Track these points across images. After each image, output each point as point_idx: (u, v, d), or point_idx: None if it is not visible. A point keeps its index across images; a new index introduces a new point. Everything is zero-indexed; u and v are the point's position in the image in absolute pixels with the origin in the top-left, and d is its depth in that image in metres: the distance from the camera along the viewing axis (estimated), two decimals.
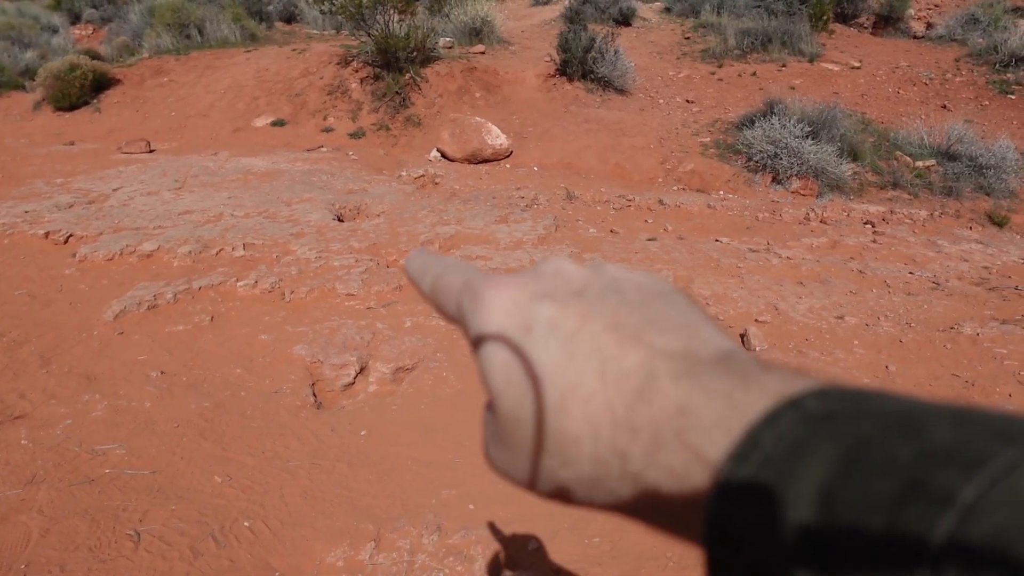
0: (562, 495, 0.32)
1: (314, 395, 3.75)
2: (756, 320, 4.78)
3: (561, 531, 2.69)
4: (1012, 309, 5.16)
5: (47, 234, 5.82)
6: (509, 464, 0.34)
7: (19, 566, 2.43)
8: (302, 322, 4.51)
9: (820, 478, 0.22)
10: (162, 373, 3.85)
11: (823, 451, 0.23)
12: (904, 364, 4.19)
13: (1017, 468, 0.19)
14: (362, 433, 3.36)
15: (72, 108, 11.76)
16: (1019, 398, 3.76)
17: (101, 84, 12.11)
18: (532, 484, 0.33)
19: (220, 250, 5.63)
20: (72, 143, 10.46)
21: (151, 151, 9.83)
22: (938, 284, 5.81)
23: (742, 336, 4.49)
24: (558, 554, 2.58)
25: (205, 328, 4.41)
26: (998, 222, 8.31)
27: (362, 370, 4.01)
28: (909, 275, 6.02)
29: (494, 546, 2.61)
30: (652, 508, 0.29)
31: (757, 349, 4.30)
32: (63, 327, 4.35)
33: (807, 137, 9.10)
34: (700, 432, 0.27)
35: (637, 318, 0.32)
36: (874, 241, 7.10)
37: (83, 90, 11.72)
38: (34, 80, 12.43)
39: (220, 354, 4.10)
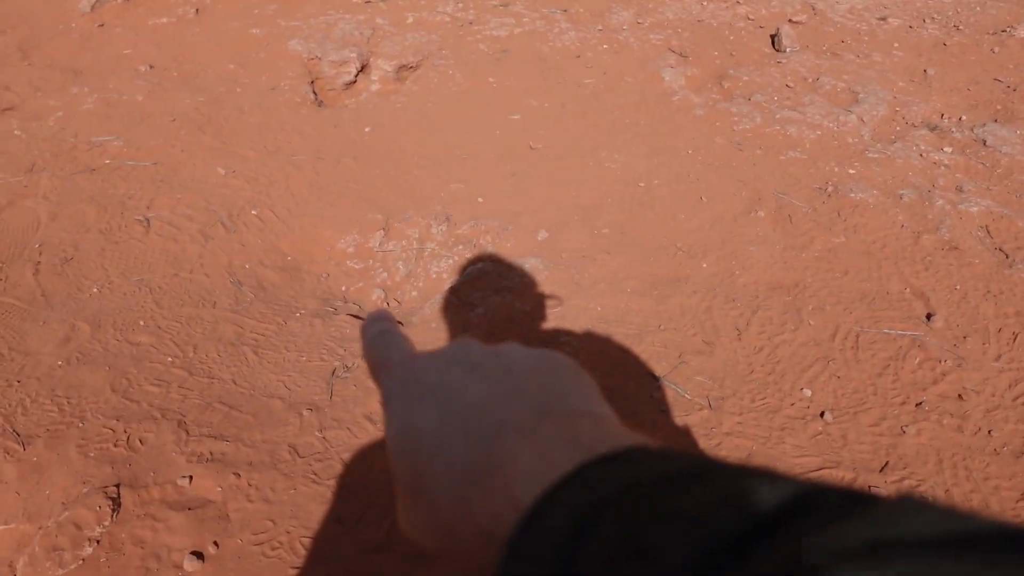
0: (435, 544, 0.36)
1: (314, 93, 3.55)
2: (790, 20, 4.35)
3: (571, 223, 2.67)
4: None
5: None
6: (402, 519, 0.37)
7: (33, 245, 2.46)
8: (295, 16, 4.13)
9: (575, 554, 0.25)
10: (151, 67, 3.61)
11: (595, 537, 0.25)
12: (944, 68, 3.88)
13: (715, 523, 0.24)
14: (367, 130, 3.22)
15: None
16: None
17: None
18: (415, 536, 0.37)
19: None
20: None
21: None
22: None
23: (773, 36, 4.12)
24: (567, 243, 2.58)
25: (191, 21, 4.06)
26: None
27: (363, 68, 3.75)
28: None
29: (503, 235, 2.61)
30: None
31: (788, 50, 3.96)
32: (37, 18, 4.01)
33: None
34: (517, 480, 0.30)
35: (511, 386, 0.36)
36: None
37: None
38: None
39: (210, 49, 3.82)
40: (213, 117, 3.23)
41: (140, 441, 1.76)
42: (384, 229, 2.66)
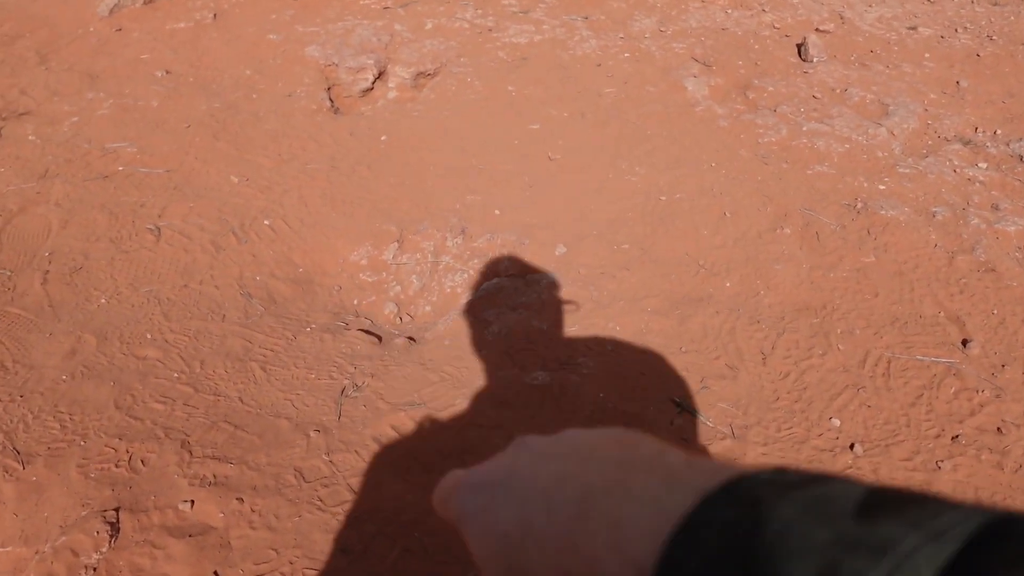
0: None
1: (330, 100, 3.50)
2: (817, 29, 4.25)
3: (590, 237, 2.59)
4: None
5: None
6: None
7: (43, 253, 2.43)
8: (313, 22, 4.09)
9: None
10: (167, 73, 3.58)
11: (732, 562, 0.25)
12: (978, 79, 3.76)
13: (917, 551, 0.22)
14: (383, 138, 3.16)
15: None
16: None
17: None
18: None
19: None
20: None
21: None
22: None
23: (799, 46, 4.02)
24: (586, 259, 2.50)
25: (208, 26, 4.03)
26: None
27: (380, 75, 3.70)
28: None
29: (520, 249, 2.54)
30: None
31: (814, 59, 3.86)
32: (56, 22, 4.00)
33: None
34: (631, 540, 0.29)
35: (583, 456, 0.35)
36: None
37: None
38: None
39: (227, 54, 3.79)
40: (228, 124, 3.19)
41: (142, 462, 1.71)
42: (398, 241, 2.60)
